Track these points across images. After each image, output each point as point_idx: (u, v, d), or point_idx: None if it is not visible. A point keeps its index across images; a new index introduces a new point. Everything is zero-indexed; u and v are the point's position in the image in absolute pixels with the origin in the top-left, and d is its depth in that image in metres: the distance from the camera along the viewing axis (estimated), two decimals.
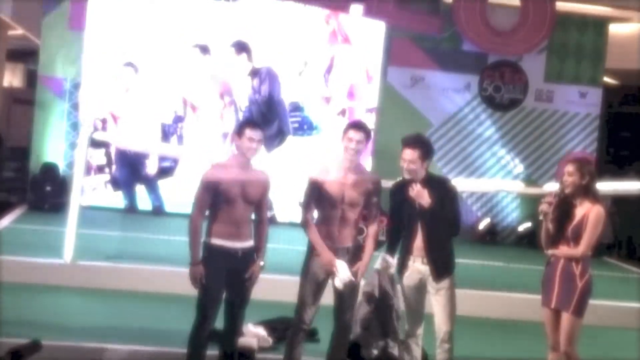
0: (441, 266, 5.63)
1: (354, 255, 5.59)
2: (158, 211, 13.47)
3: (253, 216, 5.57)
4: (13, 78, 21.14)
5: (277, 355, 6.32)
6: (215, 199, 5.34)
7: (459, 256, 5.84)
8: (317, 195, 5.55)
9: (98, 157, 13.19)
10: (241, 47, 13.56)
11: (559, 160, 14.81)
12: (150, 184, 13.64)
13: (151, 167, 13.55)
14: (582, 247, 5.49)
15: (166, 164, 13.58)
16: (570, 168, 5.57)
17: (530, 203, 13.84)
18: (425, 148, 5.62)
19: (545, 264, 5.71)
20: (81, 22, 13.29)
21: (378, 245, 5.84)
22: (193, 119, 13.59)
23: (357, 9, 13.62)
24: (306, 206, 5.60)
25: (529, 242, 14.17)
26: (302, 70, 13.89)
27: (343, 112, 13.99)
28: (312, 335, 6.53)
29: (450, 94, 14.96)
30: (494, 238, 14.87)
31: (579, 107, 15.22)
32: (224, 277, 5.38)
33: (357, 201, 5.56)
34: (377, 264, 6.01)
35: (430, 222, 5.57)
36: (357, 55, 14.18)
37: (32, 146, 13.80)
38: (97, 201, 13.12)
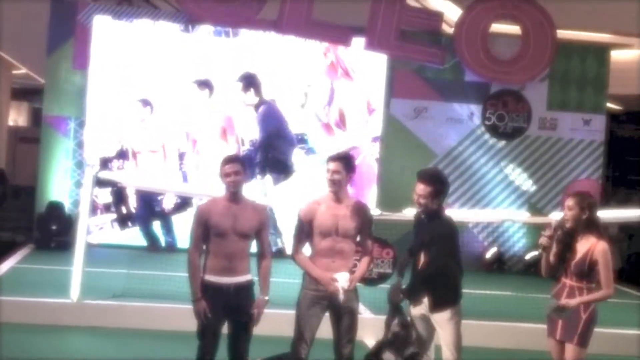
0: (438, 297, 5.60)
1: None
2: (170, 248, 13.45)
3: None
4: (18, 117, 21.24)
5: None
6: (207, 233, 5.43)
7: (466, 286, 5.80)
8: (307, 227, 5.62)
9: (104, 195, 13.24)
10: (249, 82, 13.66)
11: (564, 189, 14.79)
12: (165, 220, 13.70)
13: (167, 203, 13.63)
14: (606, 289, 5.42)
15: (178, 200, 13.65)
16: (570, 202, 5.53)
17: (537, 231, 13.71)
18: (439, 186, 5.63)
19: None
20: (85, 62, 13.44)
21: (384, 277, 5.82)
22: (195, 154, 13.67)
23: (358, 42, 13.69)
24: (295, 237, 5.71)
25: (536, 270, 14.01)
26: (304, 102, 13.97)
27: (345, 143, 14.00)
28: None
29: (453, 124, 14.97)
30: (501, 267, 14.80)
31: (583, 134, 15.17)
32: (221, 312, 5.42)
33: (349, 231, 5.59)
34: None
35: (428, 256, 5.59)
36: (358, 87, 14.26)
37: (37, 185, 13.85)
38: (105, 239, 13.14)
